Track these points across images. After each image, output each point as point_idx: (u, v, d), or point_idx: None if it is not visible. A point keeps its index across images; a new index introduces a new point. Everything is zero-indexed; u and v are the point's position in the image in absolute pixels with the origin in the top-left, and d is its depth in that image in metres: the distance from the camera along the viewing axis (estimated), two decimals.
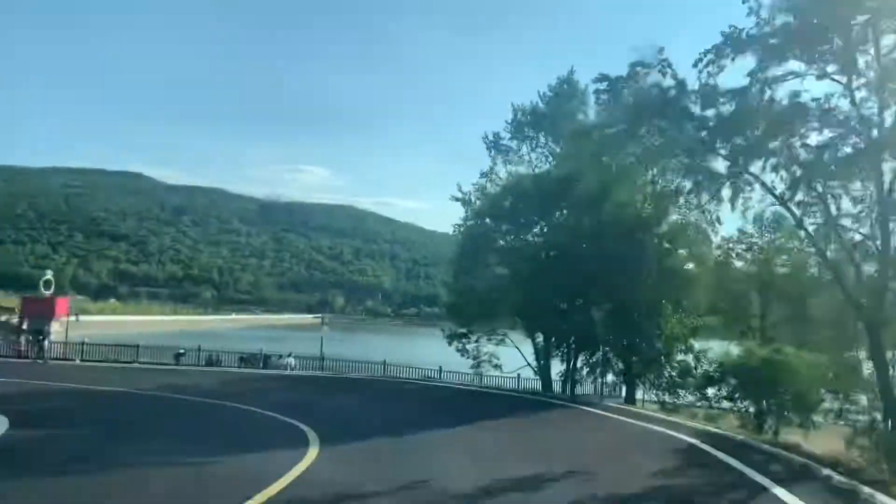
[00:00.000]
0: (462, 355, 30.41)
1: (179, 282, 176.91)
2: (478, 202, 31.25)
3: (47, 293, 31.72)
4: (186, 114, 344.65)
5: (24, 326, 29.07)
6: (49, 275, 34.01)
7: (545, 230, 28.30)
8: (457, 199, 31.75)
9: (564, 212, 27.11)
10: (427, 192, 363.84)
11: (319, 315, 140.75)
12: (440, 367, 31.10)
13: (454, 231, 32.04)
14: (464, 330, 30.10)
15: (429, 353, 39.89)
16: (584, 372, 27.50)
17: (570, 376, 27.94)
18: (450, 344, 30.52)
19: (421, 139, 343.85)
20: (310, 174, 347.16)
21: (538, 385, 29.14)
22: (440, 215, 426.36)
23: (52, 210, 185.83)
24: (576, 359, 28.13)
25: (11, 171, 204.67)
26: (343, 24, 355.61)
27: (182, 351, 32.60)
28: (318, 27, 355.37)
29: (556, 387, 28.54)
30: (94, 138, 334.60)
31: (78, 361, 28.75)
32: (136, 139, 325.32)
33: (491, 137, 32.15)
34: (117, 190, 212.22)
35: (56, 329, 30.60)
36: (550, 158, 31.20)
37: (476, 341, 30.10)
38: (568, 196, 24.88)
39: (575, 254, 25.03)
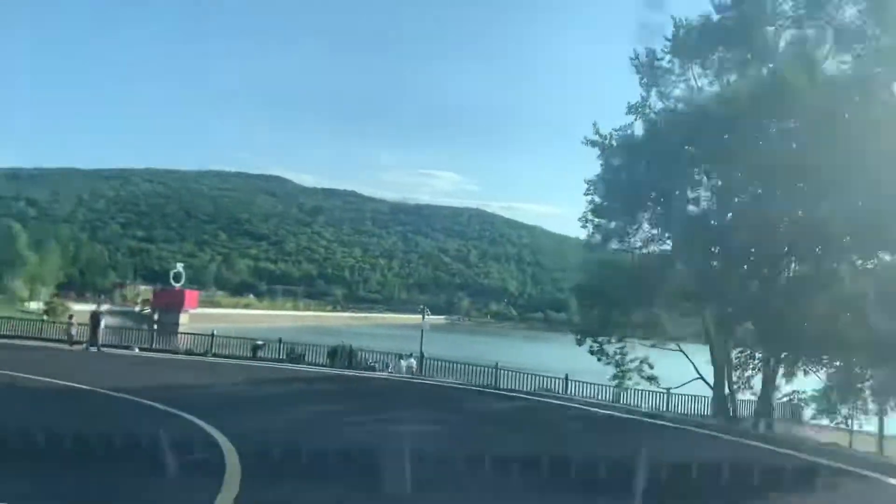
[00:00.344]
0: (599, 359, 21.34)
1: (313, 280, 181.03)
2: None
3: (177, 286, 32.70)
4: (325, 120, 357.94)
5: (155, 317, 27.35)
6: (179, 267, 34.97)
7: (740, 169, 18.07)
8: (593, 144, 22.77)
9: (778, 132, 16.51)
10: (555, 196, 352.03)
11: (448, 316, 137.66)
12: (566, 375, 22.21)
13: (587, 190, 22.89)
14: (602, 323, 20.98)
15: (556, 358, 33.10)
16: (819, 392, 17.06)
17: (769, 399, 18.16)
18: (580, 343, 21.46)
19: (551, 144, 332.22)
20: (439, 178, 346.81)
21: (706, 406, 20.67)
22: (568, 220, 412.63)
23: (200, 210, 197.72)
24: (776, 369, 18.35)
25: (165, 174, 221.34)
26: (474, 30, 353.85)
27: (261, 343, 28.48)
28: (449, 33, 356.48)
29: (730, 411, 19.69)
30: (240, 143, 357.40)
31: (137, 351, 25.63)
32: (278, 144, 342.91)
33: (644, 57, 23.01)
34: (259, 192, 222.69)
35: (184, 321, 31.17)
36: (726, 83, 21.79)
37: (620, 340, 21.12)
38: (789, 108, 15.11)
39: (801, 191, 14.88)
